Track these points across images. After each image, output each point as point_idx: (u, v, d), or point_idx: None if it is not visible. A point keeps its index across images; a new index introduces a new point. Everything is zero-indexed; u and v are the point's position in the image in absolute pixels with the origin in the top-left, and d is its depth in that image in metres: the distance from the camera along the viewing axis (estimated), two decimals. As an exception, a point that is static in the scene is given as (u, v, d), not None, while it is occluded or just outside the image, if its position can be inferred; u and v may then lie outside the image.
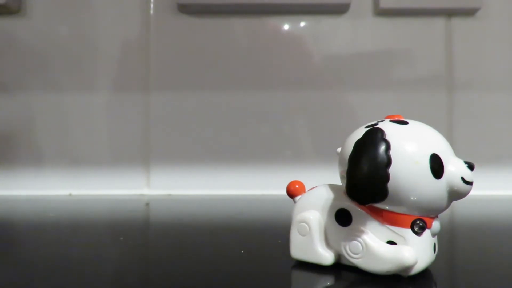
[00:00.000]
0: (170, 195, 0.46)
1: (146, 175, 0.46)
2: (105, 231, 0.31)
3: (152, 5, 0.46)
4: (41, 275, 0.20)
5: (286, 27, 0.47)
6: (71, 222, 0.34)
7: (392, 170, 0.16)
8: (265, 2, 0.44)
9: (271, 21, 0.47)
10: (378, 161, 0.16)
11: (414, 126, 0.18)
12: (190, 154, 0.46)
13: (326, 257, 0.19)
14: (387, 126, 0.18)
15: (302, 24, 0.47)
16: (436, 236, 0.18)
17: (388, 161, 0.16)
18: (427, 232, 0.18)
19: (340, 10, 0.46)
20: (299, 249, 0.20)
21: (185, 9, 0.46)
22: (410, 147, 0.17)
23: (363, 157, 0.17)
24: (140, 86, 0.46)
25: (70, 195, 0.45)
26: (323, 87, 0.46)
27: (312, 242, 0.19)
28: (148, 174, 0.46)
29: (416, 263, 0.17)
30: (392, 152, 0.17)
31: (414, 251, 0.17)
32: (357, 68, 0.46)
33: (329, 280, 0.19)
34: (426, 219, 0.17)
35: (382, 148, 0.17)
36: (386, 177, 0.16)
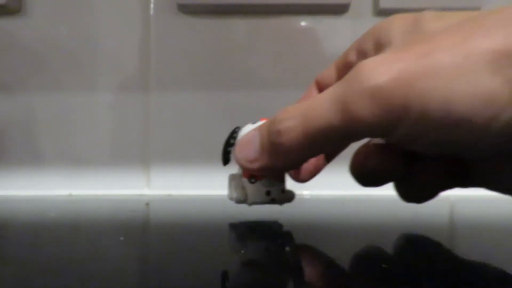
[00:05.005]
0: (170, 195, 0.46)
1: (146, 175, 0.46)
2: (105, 231, 0.31)
3: (152, 5, 0.46)
4: (41, 275, 0.20)
5: (286, 27, 0.47)
6: (71, 222, 0.34)
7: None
8: (265, 2, 0.44)
9: (271, 21, 0.47)
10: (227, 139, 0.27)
11: None
12: (190, 154, 0.46)
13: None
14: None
15: (302, 24, 0.47)
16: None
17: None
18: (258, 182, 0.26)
19: (340, 10, 0.46)
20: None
21: (185, 9, 0.46)
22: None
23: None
24: (140, 86, 0.46)
25: (70, 195, 0.45)
26: (323, 87, 0.46)
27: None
28: (148, 174, 0.46)
29: None
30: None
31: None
32: (357, 68, 0.46)
33: (328, 280, 0.19)
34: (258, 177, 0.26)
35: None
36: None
